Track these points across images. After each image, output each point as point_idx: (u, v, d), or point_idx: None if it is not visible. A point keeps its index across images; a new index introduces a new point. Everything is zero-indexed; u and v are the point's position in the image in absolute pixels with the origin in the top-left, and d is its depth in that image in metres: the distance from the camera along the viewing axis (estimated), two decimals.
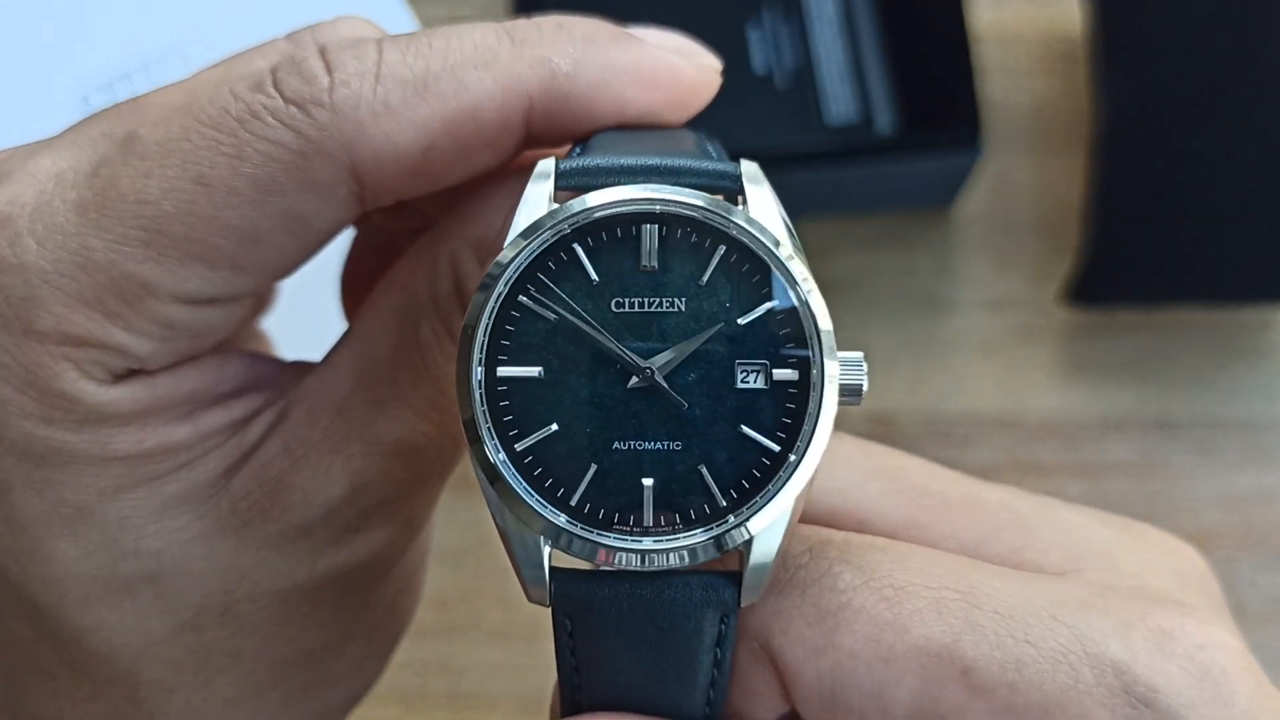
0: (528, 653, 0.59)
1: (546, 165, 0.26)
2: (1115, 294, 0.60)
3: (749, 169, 0.26)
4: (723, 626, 0.25)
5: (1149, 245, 0.59)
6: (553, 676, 0.65)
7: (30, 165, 0.28)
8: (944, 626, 0.24)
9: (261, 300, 0.39)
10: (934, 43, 0.60)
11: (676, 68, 0.29)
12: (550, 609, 0.25)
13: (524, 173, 0.27)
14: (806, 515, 0.28)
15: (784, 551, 0.25)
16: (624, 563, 0.24)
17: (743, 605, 0.25)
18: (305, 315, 0.41)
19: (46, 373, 0.27)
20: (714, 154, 0.27)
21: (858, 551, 0.26)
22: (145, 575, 0.29)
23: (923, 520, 0.28)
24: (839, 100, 0.63)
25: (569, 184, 0.26)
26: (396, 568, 0.32)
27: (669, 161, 0.26)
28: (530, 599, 0.25)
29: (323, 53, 0.28)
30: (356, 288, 0.37)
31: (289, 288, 0.41)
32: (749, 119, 0.61)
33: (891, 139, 0.63)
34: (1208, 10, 0.59)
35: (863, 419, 0.61)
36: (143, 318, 0.27)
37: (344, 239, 0.39)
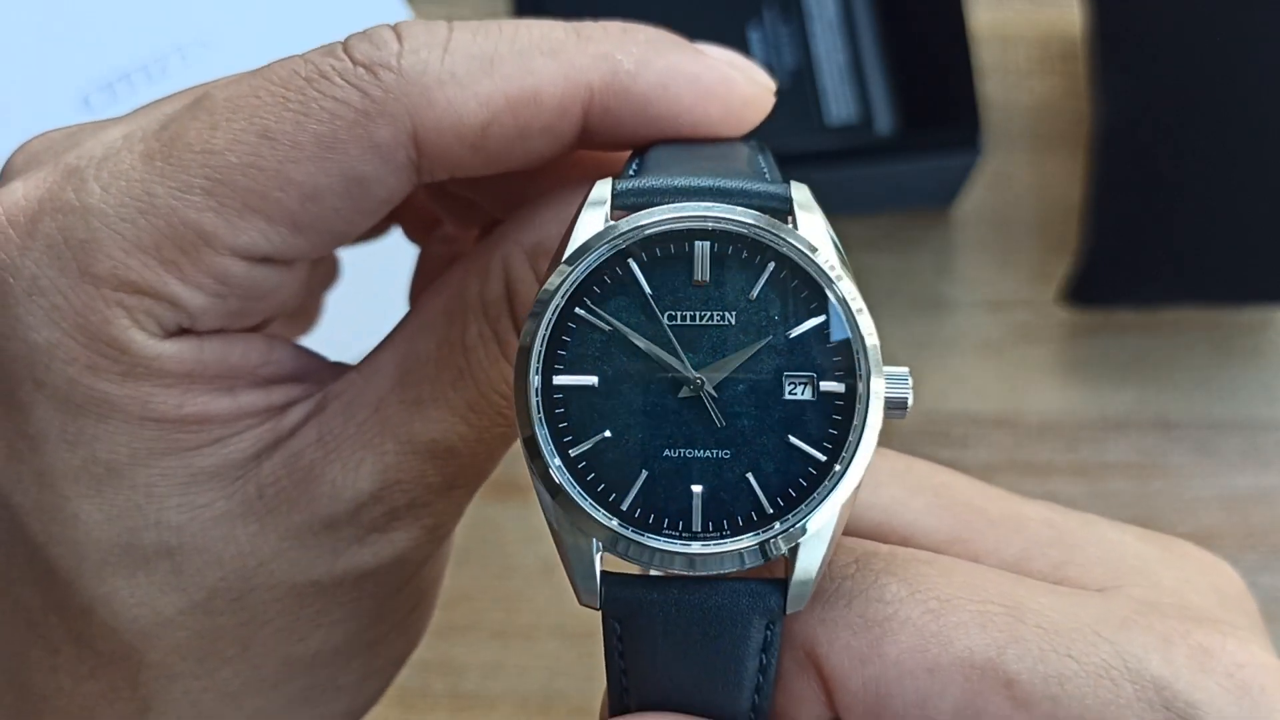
0: (528, 653, 0.59)
1: (604, 184, 0.26)
2: (1114, 294, 0.60)
3: (799, 191, 0.27)
4: (768, 633, 0.25)
5: (1148, 245, 0.59)
6: (552, 677, 0.65)
7: (100, 133, 0.29)
8: (988, 639, 0.25)
9: (321, 282, 0.39)
10: (933, 43, 0.61)
11: (733, 80, 0.29)
12: (600, 613, 0.26)
13: (580, 184, 0.27)
14: (853, 529, 0.28)
15: (829, 561, 0.26)
16: (673, 565, 0.25)
17: (788, 612, 0.25)
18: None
19: (98, 317, 0.27)
20: (766, 172, 0.28)
21: (903, 564, 0.26)
22: (164, 549, 0.29)
23: (966, 536, 0.28)
24: (839, 100, 0.63)
25: (624, 204, 0.26)
26: (411, 584, 0.32)
27: (722, 183, 0.26)
28: (581, 602, 0.26)
29: (394, 26, 0.28)
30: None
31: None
32: None
33: (891, 139, 0.63)
34: (1206, 10, 0.59)
35: None
36: (198, 269, 0.27)
37: (410, 255, 0.39)
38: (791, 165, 0.57)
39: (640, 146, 0.30)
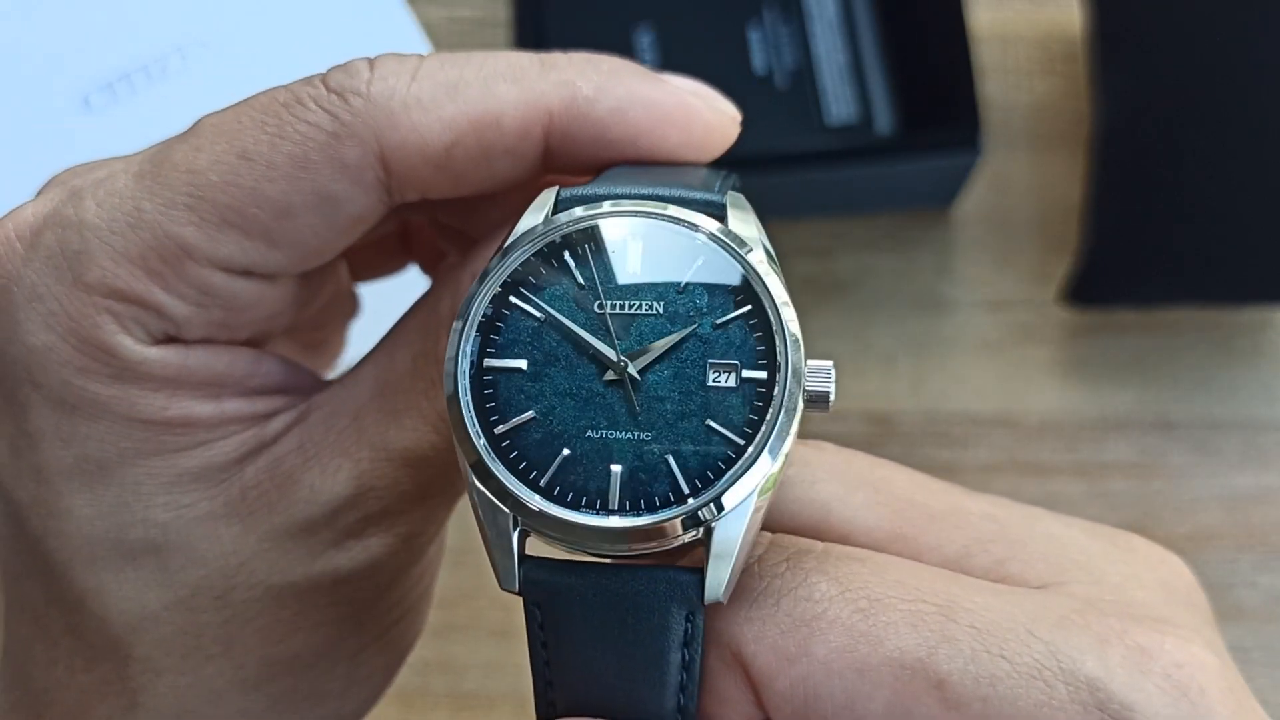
0: (527, 652, 0.59)
1: (550, 191, 0.28)
2: (1114, 294, 0.60)
3: (734, 197, 0.28)
4: (689, 625, 0.25)
5: (1148, 245, 0.59)
6: None
7: (111, 163, 0.31)
8: (919, 639, 0.24)
9: (340, 316, 0.41)
10: (934, 43, 0.61)
11: (693, 108, 0.31)
12: (521, 597, 0.26)
13: None
14: (790, 526, 0.28)
15: (748, 550, 0.26)
16: (588, 540, 0.26)
17: (706, 601, 0.25)
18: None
19: (89, 323, 0.29)
20: (716, 188, 0.29)
21: (835, 562, 0.26)
22: (149, 545, 0.30)
23: (907, 533, 0.28)
24: (839, 100, 0.63)
25: (567, 208, 0.28)
26: (392, 594, 0.33)
27: (661, 190, 0.28)
28: (501, 585, 0.26)
29: (370, 59, 0.30)
30: None
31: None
32: (749, 119, 0.61)
33: (891, 139, 0.63)
34: (1206, 10, 0.59)
35: (862, 419, 0.61)
36: (181, 279, 0.29)
37: (421, 287, 0.41)
38: (791, 165, 0.57)
39: (602, 168, 0.31)
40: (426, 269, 0.41)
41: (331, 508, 0.30)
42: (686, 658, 0.25)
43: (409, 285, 0.41)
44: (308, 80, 0.30)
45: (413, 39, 0.63)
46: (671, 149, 0.30)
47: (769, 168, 0.56)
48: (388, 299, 0.43)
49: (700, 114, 0.31)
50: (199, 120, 0.30)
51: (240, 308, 0.30)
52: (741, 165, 0.55)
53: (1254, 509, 0.60)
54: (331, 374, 0.40)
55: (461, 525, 0.60)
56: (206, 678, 0.31)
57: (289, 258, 0.30)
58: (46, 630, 0.31)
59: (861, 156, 0.59)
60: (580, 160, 0.31)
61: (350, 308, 0.42)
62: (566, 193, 0.28)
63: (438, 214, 0.36)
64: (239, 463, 0.31)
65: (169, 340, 0.30)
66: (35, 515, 0.30)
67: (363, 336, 0.42)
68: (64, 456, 0.29)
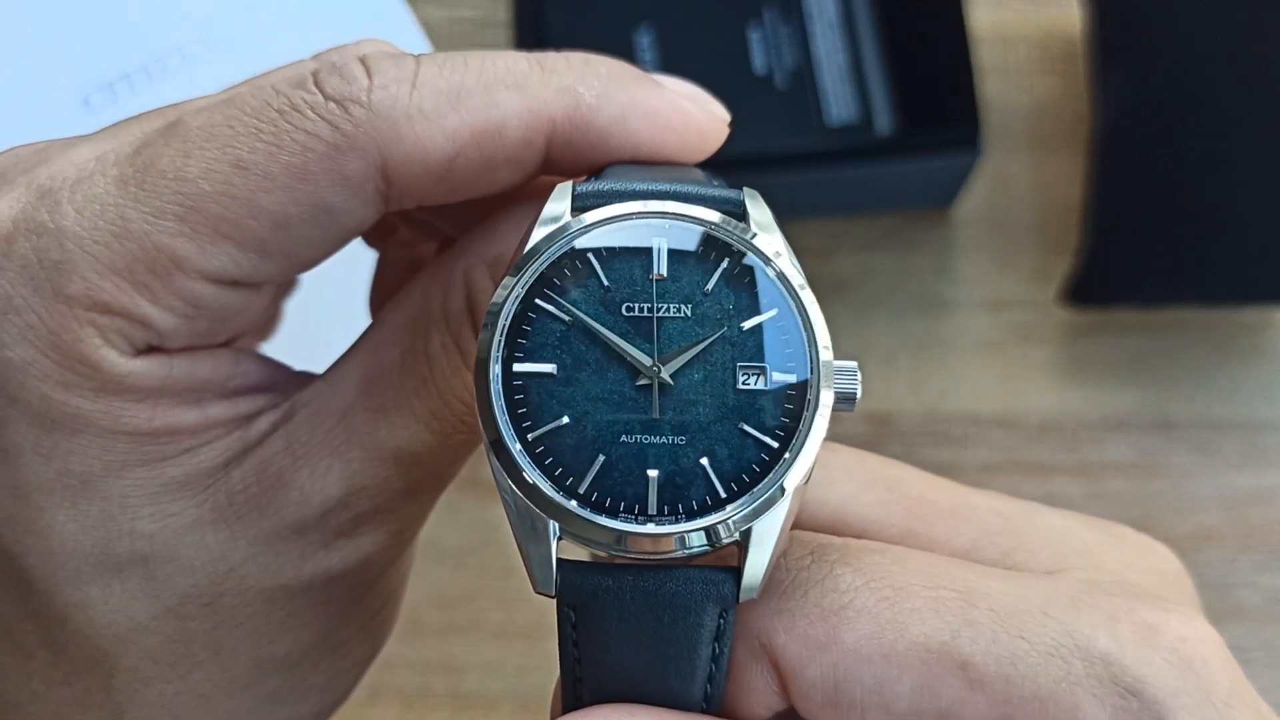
0: (528, 653, 0.59)
1: (564, 187, 0.28)
2: (1114, 294, 0.60)
3: (750, 194, 0.28)
4: (721, 621, 0.26)
5: (1147, 245, 0.59)
6: (553, 676, 0.65)
7: (70, 152, 0.30)
8: (942, 624, 0.25)
9: (281, 290, 0.40)
10: (933, 43, 0.61)
11: (690, 113, 0.30)
12: (555, 600, 0.26)
13: (540, 197, 0.28)
14: (809, 524, 0.29)
15: (782, 549, 0.26)
16: (627, 547, 0.26)
17: (741, 600, 0.26)
18: (310, 332, 0.42)
19: (71, 336, 0.28)
20: (718, 185, 0.29)
21: (858, 554, 0.27)
22: (137, 557, 0.29)
23: (919, 528, 0.29)
24: (839, 100, 0.63)
25: (584, 205, 0.27)
26: (378, 586, 0.33)
27: (677, 187, 0.28)
28: (537, 590, 0.26)
29: (363, 60, 0.29)
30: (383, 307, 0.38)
31: (294, 306, 0.41)
32: (749, 119, 0.61)
33: (891, 139, 0.63)
34: (1206, 10, 0.59)
35: (862, 419, 0.61)
36: (169, 292, 0.28)
37: (369, 261, 0.40)
38: (791, 165, 0.57)
39: (596, 168, 0.31)
40: (370, 241, 0.40)
41: (322, 508, 0.30)
42: (716, 651, 0.26)
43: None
44: (298, 81, 0.29)
45: (413, 39, 0.63)
46: (669, 154, 0.30)
47: (769, 168, 0.56)
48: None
49: (696, 119, 0.31)
50: (180, 118, 0.29)
51: (227, 317, 0.30)
52: (742, 165, 0.55)
53: (1254, 509, 0.60)
54: (265, 344, 0.38)
55: (461, 526, 0.60)
56: (195, 683, 0.31)
57: (280, 268, 0.29)
58: (19, 644, 0.30)
59: (861, 156, 0.59)
60: (578, 164, 0.30)
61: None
62: (582, 188, 0.28)
63: (414, 210, 0.36)
64: (225, 467, 0.30)
65: (151, 350, 0.29)
66: (10, 532, 0.29)
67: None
68: (44, 472, 0.28)
